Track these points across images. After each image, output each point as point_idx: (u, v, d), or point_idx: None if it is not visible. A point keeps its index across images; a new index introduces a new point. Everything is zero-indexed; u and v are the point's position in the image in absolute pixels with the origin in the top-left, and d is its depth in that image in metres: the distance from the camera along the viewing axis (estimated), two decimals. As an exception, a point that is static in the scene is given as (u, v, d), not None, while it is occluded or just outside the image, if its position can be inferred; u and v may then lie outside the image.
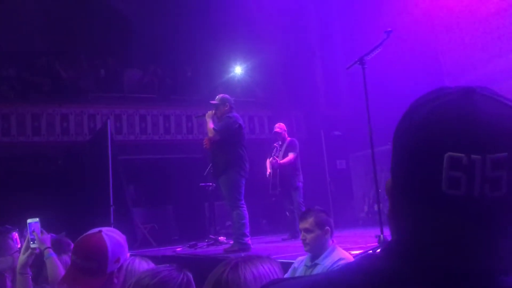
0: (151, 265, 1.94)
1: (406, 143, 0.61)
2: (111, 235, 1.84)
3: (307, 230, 2.86)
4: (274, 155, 6.88)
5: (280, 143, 6.99)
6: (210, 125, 5.51)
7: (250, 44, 11.33)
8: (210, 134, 5.50)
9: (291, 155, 6.75)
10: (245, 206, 5.41)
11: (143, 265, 1.91)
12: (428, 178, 0.57)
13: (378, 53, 4.33)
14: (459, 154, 0.55)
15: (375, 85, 6.21)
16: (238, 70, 11.84)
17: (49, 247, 2.46)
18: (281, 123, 7.19)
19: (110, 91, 10.92)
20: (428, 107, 0.61)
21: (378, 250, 0.67)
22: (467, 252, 0.56)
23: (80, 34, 11.20)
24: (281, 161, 6.74)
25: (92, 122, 10.17)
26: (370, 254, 0.67)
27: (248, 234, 5.38)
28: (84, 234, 1.86)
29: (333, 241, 2.91)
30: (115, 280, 1.79)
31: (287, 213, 6.98)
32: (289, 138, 6.98)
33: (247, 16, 11.60)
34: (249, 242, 5.39)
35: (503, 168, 0.55)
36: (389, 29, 4.22)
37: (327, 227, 2.87)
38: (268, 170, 6.89)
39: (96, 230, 1.85)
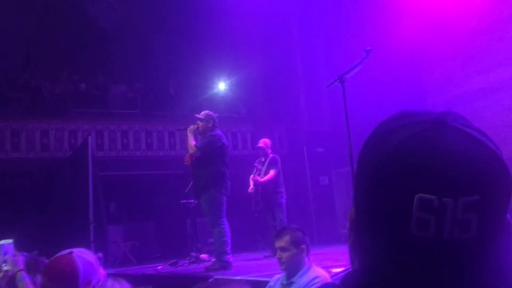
0: (125, 285, 1.90)
1: (372, 176, 0.58)
2: (82, 257, 1.82)
3: (282, 249, 2.85)
4: (255, 172, 6.88)
5: (262, 159, 6.99)
6: (192, 141, 5.49)
7: (233, 61, 11.40)
8: (191, 150, 5.48)
9: (272, 172, 6.75)
10: (226, 223, 5.37)
11: (115, 287, 1.87)
12: (396, 217, 0.55)
13: (360, 70, 4.38)
14: (430, 196, 0.53)
15: (357, 102, 6.28)
16: (221, 86, 11.87)
17: (21, 270, 2.40)
18: (266, 139, 7.20)
19: (91, 107, 10.82)
20: (396, 138, 0.57)
21: (339, 279, 0.65)
22: None
23: (61, 50, 11.13)
24: (262, 179, 6.73)
25: (73, 138, 10.05)
26: (331, 284, 0.66)
27: (229, 252, 5.33)
28: (55, 256, 1.82)
29: (309, 259, 2.90)
30: None
31: (268, 230, 6.96)
32: (271, 155, 6.99)
33: (230, 32, 11.68)
34: (231, 260, 5.34)
35: (475, 211, 0.53)
36: (369, 48, 4.28)
37: (303, 246, 2.86)
38: (251, 187, 6.87)
39: (67, 251, 1.81)
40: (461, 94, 8.88)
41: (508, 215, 0.59)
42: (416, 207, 0.54)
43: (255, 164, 7.03)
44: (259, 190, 6.74)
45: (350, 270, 0.65)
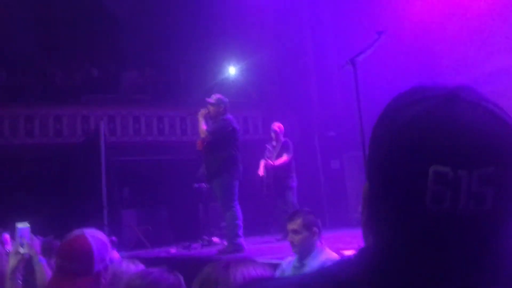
0: (140, 266, 1.94)
1: (387, 149, 0.58)
2: (94, 236, 1.85)
3: (294, 232, 2.87)
4: (267, 156, 6.89)
5: (274, 143, 6.99)
6: (203, 126, 5.50)
7: (244, 45, 11.34)
8: (202, 135, 5.49)
9: (285, 157, 6.75)
10: (238, 207, 5.41)
11: (130, 267, 1.90)
12: (411, 190, 0.55)
13: (372, 53, 4.33)
14: (445, 169, 0.53)
15: (368, 85, 6.22)
16: (232, 71, 11.84)
17: (38, 253, 2.45)
18: (280, 124, 7.20)
19: (104, 92, 10.88)
20: (410, 111, 0.58)
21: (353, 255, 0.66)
22: (445, 266, 0.55)
23: (74, 37, 11.16)
24: (275, 163, 6.74)
25: (86, 123, 10.14)
26: (346, 259, 0.66)
27: (241, 235, 5.37)
28: (67, 237, 1.85)
29: (321, 242, 2.92)
30: (103, 280, 1.80)
31: (278, 213, 6.99)
32: (283, 139, 6.99)
33: (240, 17, 11.60)
34: (243, 243, 5.38)
35: (490, 184, 0.53)
36: (381, 30, 4.23)
37: (315, 229, 2.87)
38: (261, 171, 6.89)
39: (78, 231, 1.85)
40: (475, 76, 8.76)
41: None
42: (431, 179, 0.54)
43: (267, 146, 7.03)
44: (271, 174, 6.76)
45: (363, 246, 0.66)
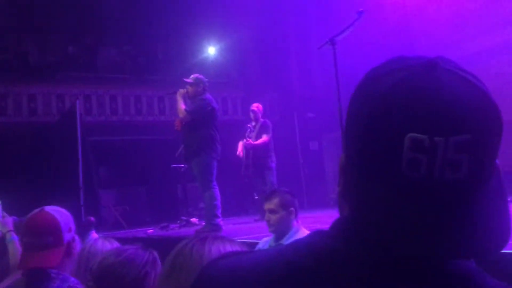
0: (115, 245, 1.92)
1: (364, 117, 0.58)
2: (55, 209, 1.89)
3: (271, 211, 2.87)
4: (247, 136, 6.87)
5: (253, 124, 6.98)
6: (182, 105, 5.43)
7: (224, 25, 11.20)
8: (181, 114, 5.43)
9: (264, 137, 6.76)
10: (217, 187, 5.39)
11: (106, 246, 1.90)
12: (387, 157, 0.55)
13: (352, 33, 4.32)
14: (421, 136, 0.53)
15: (348, 66, 6.22)
16: (211, 50, 11.71)
17: (11, 230, 2.41)
18: (259, 104, 7.18)
19: (80, 70, 10.65)
20: (389, 80, 0.57)
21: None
22: (420, 234, 0.54)
23: (48, 12, 10.84)
24: (254, 142, 6.74)
25: (61, 102, 9.93)
26: (321, 230, 0.65)
27: (220, 215, 5.37)
28: (28, 215, 1.87)
29: (297, 221, 2.93)
30: (73, 250, 1.85)
31: (255, 194, 7.02)
32: (262, 120, 6.98)
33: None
34: (221, 223, 5.39)
35: (465, 151, 0.53)
36: (361, 9, 4.21)
37: (292, 208, 2.88)
38: (240, 151, 6.88)
39: (37, 209, 1.89)
40: (454, 57, 8.82)
41: (497, 160, 0.59)
42: (407, 146, 0.54)
43: (248, 125, 7.02)
44: (250, 154, 6.75)
45: (339, 217, 0.65)
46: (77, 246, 1.90)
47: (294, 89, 11.46)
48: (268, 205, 2.90)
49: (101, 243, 1.93)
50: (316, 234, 0.64)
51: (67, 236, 1.84)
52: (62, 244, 1.82)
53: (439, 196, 0.54)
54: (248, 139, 6.81)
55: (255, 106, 7.07)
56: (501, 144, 0.59)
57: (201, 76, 5.72)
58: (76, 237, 1.91)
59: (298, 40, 11.62)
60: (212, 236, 1.26)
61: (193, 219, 7.16)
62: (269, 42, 11.32)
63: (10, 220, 2.49)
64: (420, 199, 0.54)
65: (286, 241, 2.82)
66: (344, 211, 0.63)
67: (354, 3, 7.76)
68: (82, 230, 5.41)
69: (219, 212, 5.36)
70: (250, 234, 4.70)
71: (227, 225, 5.92)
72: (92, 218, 5.58)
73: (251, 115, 7.00)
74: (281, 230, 2.88)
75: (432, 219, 0.54)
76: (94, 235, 5.45)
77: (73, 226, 1.90)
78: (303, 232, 2.90)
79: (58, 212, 1.87)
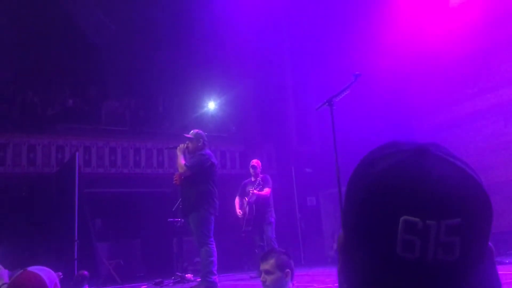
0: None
1: (360, 200, 0.61)
2: (38, 267, 1.94)
3: (267, 272, 2.85)
4: (248, 190, 6.87)
5: (253, 179, 7.02)
6: (182, 160, 5.48)
7: (224, 80, 11.47)
8: (181, 169, 5.47)
9: (267, 190, 6.79)
10: (213, 243, 5.35)
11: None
12: (383, 238, 0.57)
13: (349, 94, 4.45)
14: (415, 219, 0.56)
15: (345, 124, 6.35)
16: (211, 105, 11.92)
17: (6, 283, 2.40)
18: (258, 160, 7.26)
19: (80, 122, 10.78)
20: (383, 164, 0.61)
21: None
22: None
23: (51, 64, 11.11)
24: (259, 192, 6.73)
25: (61, 153, 9.98)
26: None
27: (215, 272, 5.30)
28: (13, 277, 1.94)
29: (293, 284, 2.90)
30: None
31: (256, 250, 6.93)
32: (261, 175, 7.02)
33: (221, 51, 11.79)
34: (216, 280, 5.30)
35: (457, 234, 0.56)
36: (358, 72, 4.36)
37: (288, 270, 2.86)
38: (238, 209, 6.87)
39: (19, 271, 1.94)
40: (446, 120, 9.04)
41: (490, 243, 0.62)
42: (401, 228, 0.56)
43: (244, 183, 7.04)
44: (253, 209, 6.74)
45: None
46: None
47: (292, 144, 11.59)
48: (263, 266, 2.89)
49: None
50: None
51: None
52: None
53: (433, 277, 0.56)
54: (252, 190, 6.80)
55: (255, 162, 7.14)
56: (501, 204, 0.62)
57: (201, 132, 5.81)
58: None
59: (296, 96, 11.87)
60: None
61: (188, 275, 7.03)
62: (268, 98, 11.56)
63: (5, 272, 2.49)
64: (415, 280, 0.56)
65: (282, 305, 2.78)
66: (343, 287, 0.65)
67: (351, 64, 8.04)
68: (75, 284, 5.31)
69: (214, 269, 5.29)
70: (246, 293, 4.62)
71: (222, 282, 5.82)
72: (86, 272, 5.48)
73: (251, 170, 7.05)
74: (276, 293, 2.85)
75: None
76: (87, 288, 5.35)
77: (58, 282, 1.94)
78: (299, 295, 2.87)
79: (41, 270, 1.92)
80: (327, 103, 4.32)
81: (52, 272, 1.97)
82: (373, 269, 0.59)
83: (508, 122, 8.23)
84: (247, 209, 6.79)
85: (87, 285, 5.34)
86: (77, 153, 8.20)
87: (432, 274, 0.56)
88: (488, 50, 8.57)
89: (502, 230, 7.04)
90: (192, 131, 5.79)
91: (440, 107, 9.28)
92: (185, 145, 5.62)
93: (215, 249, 5.31)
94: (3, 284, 2.44)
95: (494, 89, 8.45)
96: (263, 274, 2.88)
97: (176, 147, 5.67)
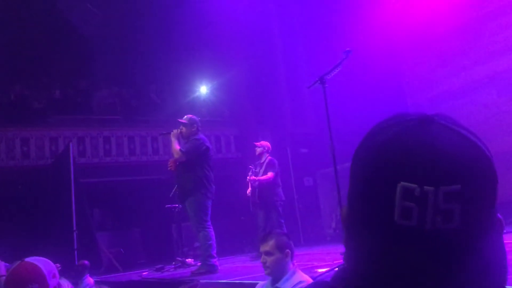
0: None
1: (362, 169, 0.60)
2: (35, 258, 1.91)
3: (267, 253, 2.86)
4: (251, 174, 6.88)
5: (260, 161, 7.01)
6: (176, 146, 5.46)
7: (216, 64, 11.39)
8: (176, 155, 5.45)
9: (270, 174, 6.77)
10: (211, 227, 5.36)
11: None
12: (381, 207, 0.56)
13: (341, 71, 4.41)
14: (412, 185, 0.55)
15: (339, 102, 6.33)
16: (203, 89, 11.85)
17: (3, 275, 2.40)
18: (267, 142, 7.23)
19: (72, 113, 10.70)
20: (386, 134, 0.60)
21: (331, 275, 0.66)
22: (414, 283, 0.55)
23: (41, 56, 10.98)
24: (258, 178, 6.75)
25: (54, 145, 9.92)
26: (323, 282, 0.66)
27: (215, 255, 5.32)
28: (10, 269, 1.92)
29: (293, 264, 2.91)
30: None
31: (259, 234, 6.95)
32: (269, 157, 7.01)
33: (212, 36, 11.67)
34: (217, 263, 5.33)
35: (456, 201, 0.54)
36: (348, 49, 4.32)
37: (288, 250, 2.87)
38: (249, 189, 6.88)
39: (16, 262, 1.92)
40: (439, 94, 9.03)
41: (498, 214, 0.60)
42: (399, 195, 0.55)
43: (250, 167, 7.05)
44: (256, 191, 6.75)
45: (342, 267, 0.66)
46: None
47: (287, 125, 11.57)
48: (263, 247, 2.90)
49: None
50: (317, 286, 0.65)
51: (52, 282, 1.85)
52: None
53: (433, 245, 0.55)
54: (251, 176, 6.82)
55: (260, 143, 7.13)
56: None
57: (194, 116, 5.78)
58: (64, 282, 1.92)
59: (289, 77, 11.80)
60: (202, 285, 1.26)
61: (189, 260, 7.07)
62: (261, 80, 11.49)
63: (2, 265, 2.48)
64: (414, 249, 0.55)
65: (283, 284, 2.80)
66: (346, 261, 0.64)
67: (341, 41, 7.97)
68: (76, 274, 5.33)
69: (214, 252, 5.31)
70: (246, 275, 4.64)
71: (222, 265, 5.85)
72: (86, 262, 5.49)
73: (258, 150, 7.02)
74: (277, 273, 2.86)
75: (426, 269, 0.55)
76: (89, 279, 5.36)
77: (56, 273, 1.92)
78: (299, 275, 2.88)
79: (39, 261, 1.90)
80: (319, 81, 4.29)
81: (51, 262, 1.95)
82: (373, 239, 0.58)
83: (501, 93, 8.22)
84: (251, 191, 6.80)
85: (88, 275, 5.35)
86: (70, 144, 8.15)
87: (431, 242, 0.55)
88: (479, 21, 8.52)
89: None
90: (185, 116, 5.76)
91: (437, 79, 9.26)
92: (179, 130, 5.60)
93: (213, 233, 5.33)
94: (1, 276, 2.42)
95: (485, 62, 8.42)
96: (263, 256, 2.89)
97: (169, 133, 5.64)
